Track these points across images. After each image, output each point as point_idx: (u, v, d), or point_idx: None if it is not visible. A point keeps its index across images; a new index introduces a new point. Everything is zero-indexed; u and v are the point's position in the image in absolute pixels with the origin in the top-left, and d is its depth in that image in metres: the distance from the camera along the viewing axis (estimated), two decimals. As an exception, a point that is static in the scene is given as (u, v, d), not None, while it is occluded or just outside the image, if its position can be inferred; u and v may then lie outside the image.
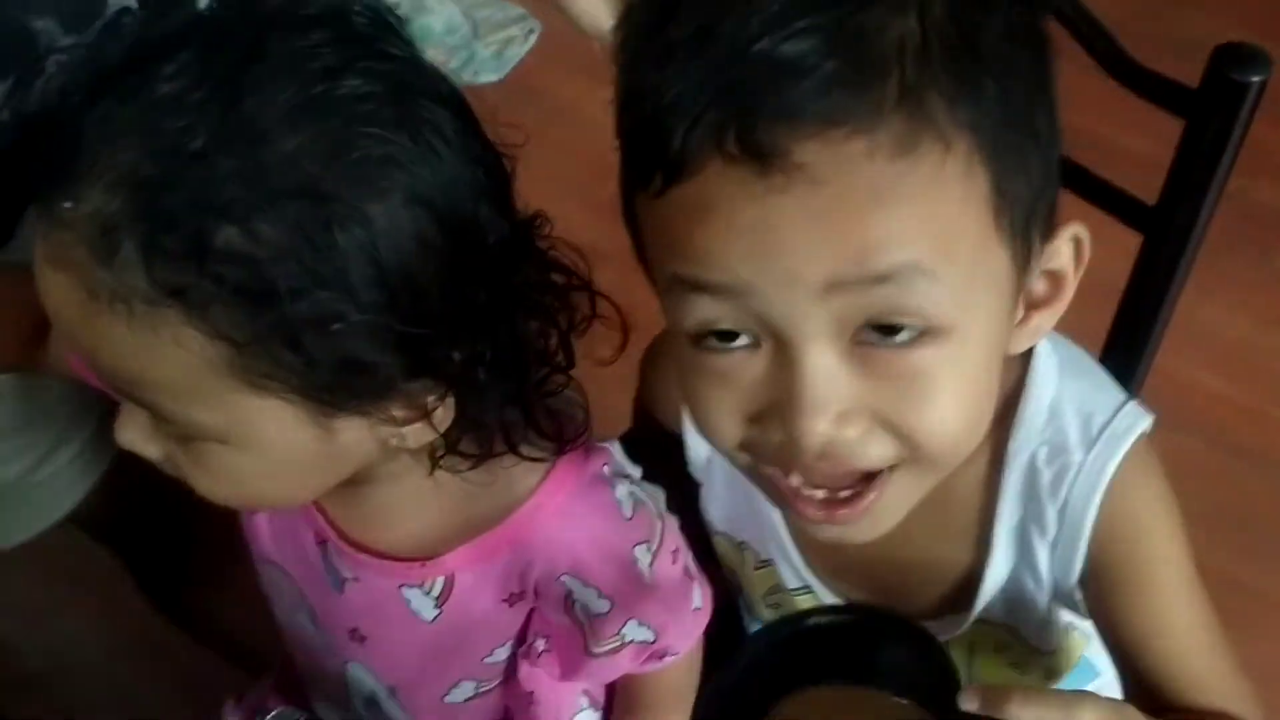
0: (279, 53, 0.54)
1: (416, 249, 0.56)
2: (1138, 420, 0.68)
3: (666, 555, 0.74)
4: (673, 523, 0.76)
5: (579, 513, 0.72)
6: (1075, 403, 0.69)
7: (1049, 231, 0.59)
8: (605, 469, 0.73)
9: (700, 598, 0.76)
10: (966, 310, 0.55)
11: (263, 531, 0.78)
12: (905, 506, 0.62)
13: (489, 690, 0.80)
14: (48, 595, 0.90)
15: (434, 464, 0.66)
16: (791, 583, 0.80)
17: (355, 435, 0.62)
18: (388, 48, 0.57)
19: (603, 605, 0.72)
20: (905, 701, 0.61)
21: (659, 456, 0.78)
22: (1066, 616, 0.74)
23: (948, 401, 0.56)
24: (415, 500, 0.71)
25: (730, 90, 0.50)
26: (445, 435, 0.64)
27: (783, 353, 0.55)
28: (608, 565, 0.72)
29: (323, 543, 0.74)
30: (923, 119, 0.50)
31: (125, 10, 0.56)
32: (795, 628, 0.66)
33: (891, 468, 0.59)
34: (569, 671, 0.76)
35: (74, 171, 0.54)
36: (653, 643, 0.75)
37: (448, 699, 0.80)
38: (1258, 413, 1.63)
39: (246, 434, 0.60)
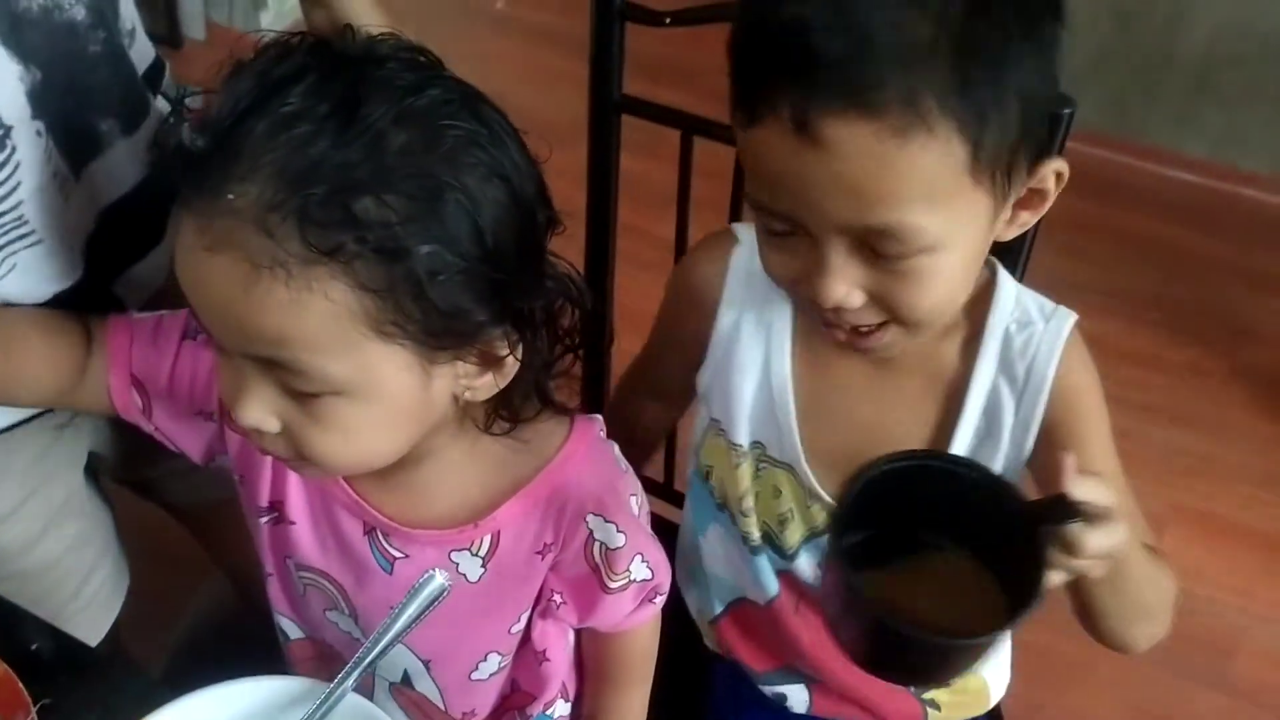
0: (373, 78, 0.70)
1: (499, 214, 0.72)
2: (1071, 312, 0.90)
3: (645, 510, 0.92)
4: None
5: (597, 461, 0.89)
6: (1030, 295, 0.91)
7: (1035, 164, 0.78)
8: (602, 432, 0.91)
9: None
10: (950, 235, 0.76)
11: (303, 540, 0.90)
12: (906, 343, 0.84)
13: (505, 667, 0.95)
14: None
15: (488, 422, 0.83)
16: (777, 455, 0.96)
17: (442, 385, 0.76)
18: (442, 71, 0.75)
19: (619, 539, 0.87)
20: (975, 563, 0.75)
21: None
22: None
23: (931, 291, 0.78)
24: (457, 474, 0.86)
25: (792, 75, 0.72)
26: (498, 396, 0.80)
27: (815, 245, 0.78)
28: (620, 506, 0.88)
29: (370, 531, 0.88)
30: (915, 114, 0.70)
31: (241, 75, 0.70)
32: (883, 469, 0.75)
33: (885, 323, 0.81)
34: (585, 613, 0.91)
35: (232, 173, 0.68)
36: (650, 580, 0.90)
37: (474, 675, 0.94)
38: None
39: (367, 381, 0.73)
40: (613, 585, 0.89)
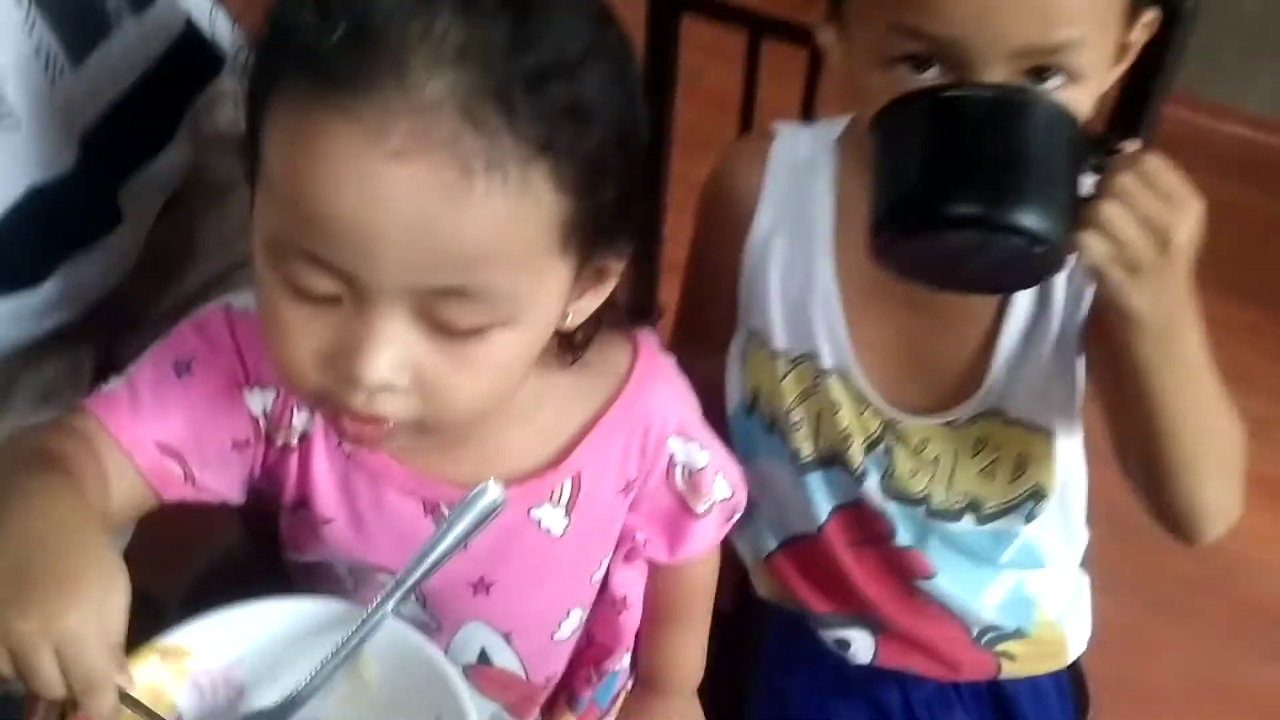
0: None
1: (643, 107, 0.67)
2: None
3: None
4: None
5: (668, 378, 0.82)
6: None
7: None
8: (658, 345, 0.83)
9: None
10: (1096, 65, 0.74)
11: (343, 537, 0.79)
12: None
13: (582, 622, 0.88)
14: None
15: (559, 351, 0.74)
16: (828, 362, 0.92)
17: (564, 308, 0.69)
18: None
19: (704, 457, 0.82)
20: None
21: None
22: (1062, 382, 0.89)
23: (1086, 97, 0.75)
24: (527, 418, 0.76)
25: None
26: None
27: (961, 69, 0.73)
28: (697, 421, 0.83)
29: (431, 509, 0.78)
30: None
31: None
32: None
33: None
34: (676, 544, 0.85)
35: (414, 57, 0.56)
36: (730, 498, 0.85)
37: (557, 636, 0.87)
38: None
39: (534, 304, 0.64)
40: (700, 509, 0.82)
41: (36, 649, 0.59)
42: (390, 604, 0.69)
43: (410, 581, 0.70)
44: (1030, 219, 0.69)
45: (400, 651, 0.70)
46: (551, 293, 0.65)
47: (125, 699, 0.62)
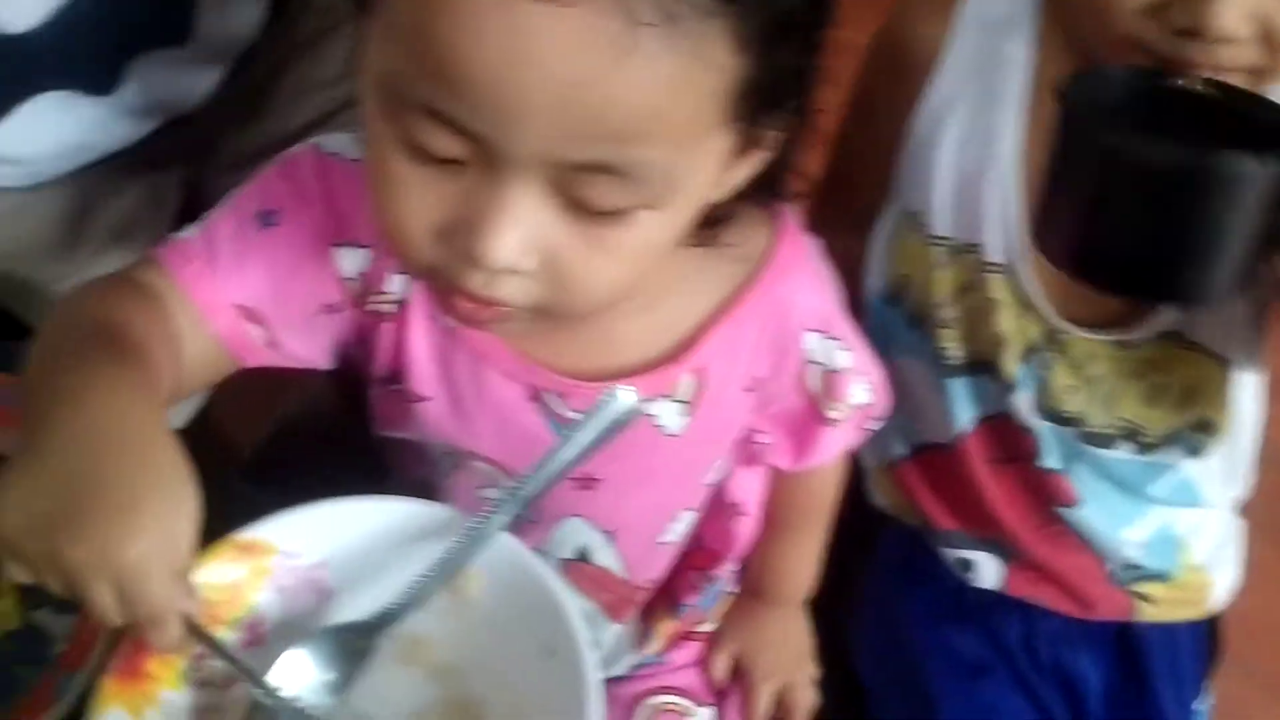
0: None
1: None
2: None
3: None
4: None
5: (811, 264, 0.72)
6: None
7: None
8: (800, 226, 0.73)
9: None
10: None
11: (440, 418, 0.72)
12: None
13: (691, 526, 0.81)
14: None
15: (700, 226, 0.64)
16: (995, 256, 0.84)
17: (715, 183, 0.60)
18: None
19: (844, 358, 0.73)
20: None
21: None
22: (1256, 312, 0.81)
23: None
24: (649, 303, 0.68)
25: None
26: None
27: None
28: (839, 316, 0.74)
29: (537, 396, 0.70)
30: None
31: None
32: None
33: None
34: (803, 451, 0.77)
35: None
36: (869, 405, 0.76)
37: (662, 538, 0.80)
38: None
39: (687, 181, 0.55)
40: (833, 415, 0.74)
41: (93, 579, 0.52)
42: (504, 516, 0.61)
43: (527, 493, 0.61)
44: (1202, 297, 0.65)
45: (511, 571, 0.62)
46: (707, 168, 0.57)
47: (191, 628, 0.55)
